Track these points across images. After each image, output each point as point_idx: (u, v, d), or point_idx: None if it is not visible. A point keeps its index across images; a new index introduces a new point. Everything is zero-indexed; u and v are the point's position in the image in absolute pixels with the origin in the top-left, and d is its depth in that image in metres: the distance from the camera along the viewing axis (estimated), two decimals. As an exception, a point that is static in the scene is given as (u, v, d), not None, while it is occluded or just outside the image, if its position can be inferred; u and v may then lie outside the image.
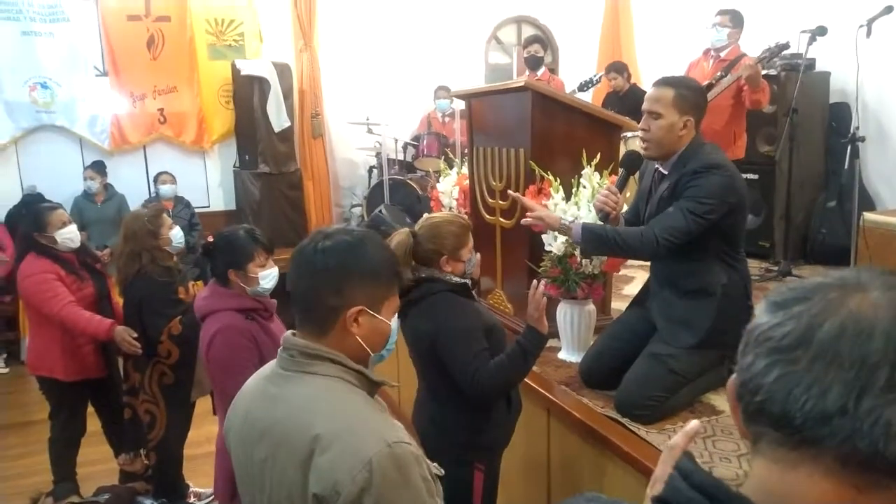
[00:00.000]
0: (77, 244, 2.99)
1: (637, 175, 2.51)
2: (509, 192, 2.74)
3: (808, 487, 0.54)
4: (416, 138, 6.20)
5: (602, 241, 2.20)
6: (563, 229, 2.28)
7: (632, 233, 2.18)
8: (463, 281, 2.04)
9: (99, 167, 5.44)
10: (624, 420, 2.21)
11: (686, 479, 0.60)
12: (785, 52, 4.51)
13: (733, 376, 0.64)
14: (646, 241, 2.12)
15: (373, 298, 1.24)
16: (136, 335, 2.83)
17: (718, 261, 2.20)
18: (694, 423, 0.86)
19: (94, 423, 3.33)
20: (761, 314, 0.61)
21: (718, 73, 3.98)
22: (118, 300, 3.11)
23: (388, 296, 1.28)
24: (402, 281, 1.36)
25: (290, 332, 1.28)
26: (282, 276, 2.38)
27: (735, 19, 4.12)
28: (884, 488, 0.53)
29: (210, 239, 2.32)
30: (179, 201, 5.52)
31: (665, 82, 2.24)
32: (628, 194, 2.64)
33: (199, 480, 3.37)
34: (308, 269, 1.23)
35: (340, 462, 1.09)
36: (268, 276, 2.29)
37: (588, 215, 2.49)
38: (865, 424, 0.52)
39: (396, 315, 1.31)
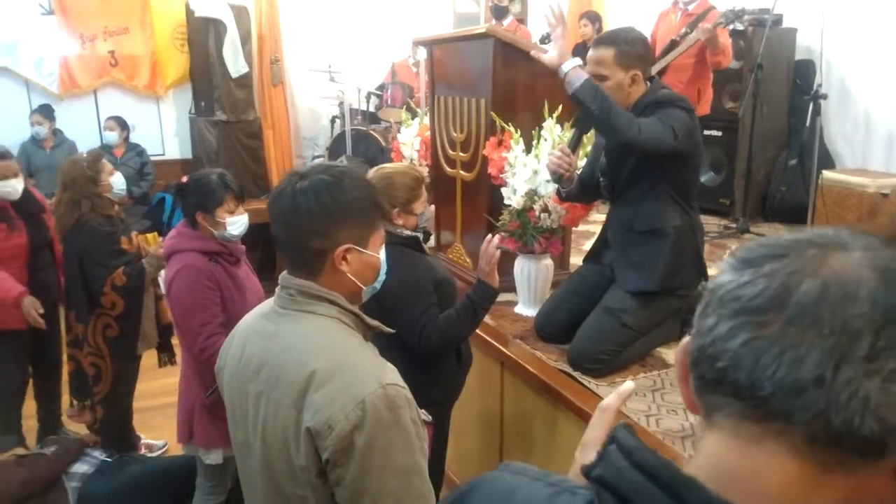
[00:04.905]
0: (15, 197, 2.84)
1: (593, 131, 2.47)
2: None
3: (770, 466, 0.49)
4: (381, 88, 6.05)
5: (598, 96, 2.02)
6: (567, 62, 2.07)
7: (623, 111, 2.07)
8: (413, 234, 1.99)
9: (46, 111, 5.18)
10: (576, 373, 2.21)
11: (628, 458, 0.53)
12: (752, 7, 4.47)
13: (685, 340, 0.57)
14: (633, 124, 2.02)
15: (358, 235, 1.24)
16: (42, 311, 2.71)
17: (674, 203, 2.20)
18: (628, 385, 0.83)
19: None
20: (725, 272, 0.54)
21: (684, 30, 3.94)
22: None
23: (374, 230, 1.28)
24: (385, 213, 1.34)
25: (286, 272, 1.27)
26: (251, 225, 2.37)
27: None
28: (851, 468, 0.48)
29: (184, 179, 2.34)
30: (131, 148, 5.30)
31: (603, 41, 2.15)
32: (589, 148, 2.60)
33: (152, 433, 3.34)
34: (289, 213, 1.20)
35: (335, 399, 1.11)
36: (236, 223, 2.29)
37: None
38: (842, 397, 0.46)
39: (384, 246, 1.32)
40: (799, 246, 0.52)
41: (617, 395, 0.80)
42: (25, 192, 2.92)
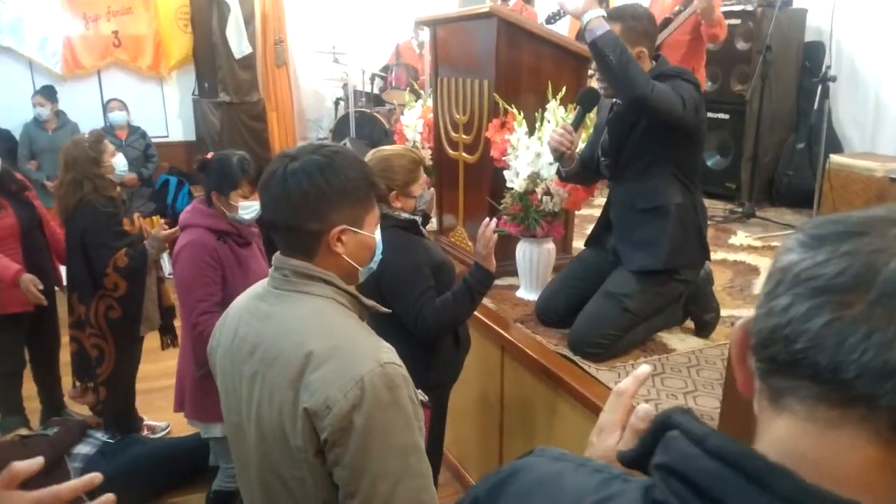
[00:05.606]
0: None
1: (595, 111, 2.44)
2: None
3: (848, 452, 0.47)
4: (385, 69, 6.00)
5: (618, 47, 1.98)
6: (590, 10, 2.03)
7: (639, 68, 2.03)
8: (412, 217, 1.97)
9: (49, 93, 5.15)
10: (576, 358, 2.20)
11: (699, 445, 0.50)
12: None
13: (743, 320, 0.55)
14: (648, 82, 1.99)
15: (353, 215, 1.22)
16: (41, 287, 2.70)
17: (676, 181, 2.17)
18: (645, 368, 0.81)
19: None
20: (794, 250, 0.51)
21: (677, 8, 3.86)
22: (60, 231, 2.97)
23: (369, 210, 1.26)
24: (379, 191, 1.32)
25: (279, 252, 1.25)
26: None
27: None
28: None
29: (209, 156, 2.37)
30: (134, 131, 5.28)
31: (609, 17, 2.10)
32: (591, 130, 2.57)
33: (154, 415, 3.35)
34: (282, 196, 1.18)
35: (333, 379, 1.10)
36: (248, 209, 2.32)
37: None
38: None
39: (379, 226, 1.30)
40: (877, 223, 0.49)
41: (634, 378, 0.78)
42: (5, 170, 2.88)
